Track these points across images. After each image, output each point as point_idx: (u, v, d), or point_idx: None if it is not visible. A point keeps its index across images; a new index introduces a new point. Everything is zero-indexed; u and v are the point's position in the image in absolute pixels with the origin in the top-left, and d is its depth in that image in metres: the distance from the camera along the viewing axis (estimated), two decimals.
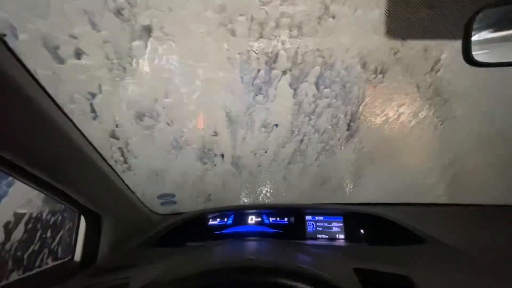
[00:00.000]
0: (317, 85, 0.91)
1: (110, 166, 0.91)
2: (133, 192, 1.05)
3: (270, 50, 0.81)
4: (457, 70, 0.81)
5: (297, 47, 0.79)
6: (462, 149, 1.08)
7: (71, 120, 0.72)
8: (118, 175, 0.96)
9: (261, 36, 0.77)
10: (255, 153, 1.11)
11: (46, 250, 0.96)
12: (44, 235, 0.96)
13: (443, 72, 0.82)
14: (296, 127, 1.02)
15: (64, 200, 0.90)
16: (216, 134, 1.02)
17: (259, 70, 0.86)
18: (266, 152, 1.10)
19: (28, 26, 0.66)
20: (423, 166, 1.17)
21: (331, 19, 0.70)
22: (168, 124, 0.96)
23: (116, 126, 0.92)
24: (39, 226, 0.94)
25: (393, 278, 0.80)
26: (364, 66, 0.82)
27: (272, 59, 0.84)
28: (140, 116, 0.92)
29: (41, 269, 0.92)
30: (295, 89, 0.92)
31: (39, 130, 0.64)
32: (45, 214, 0.96)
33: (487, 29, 0.55)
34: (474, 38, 0.52)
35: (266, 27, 0.75)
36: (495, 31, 0.56)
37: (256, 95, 0.93)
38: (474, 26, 0.51)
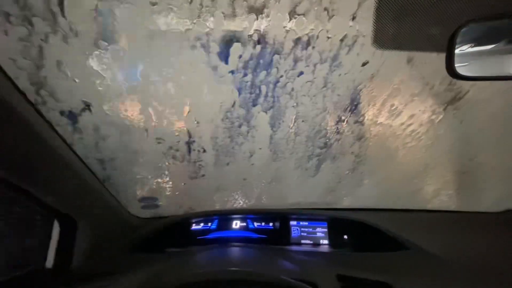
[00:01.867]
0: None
1: (88, 167, 0.87)
2: (112, 195, 1.01)
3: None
4: None
5: None
6: (450, 156, 1.10)
7: (44, 118, 0.68)
8: (96, 177, 0.91)
9: None
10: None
11: (14, 256, 0.89)
12: (12, 240, 0.90)
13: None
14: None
15: (35, 203, 0.84)
16: (205, 151, 1.03)
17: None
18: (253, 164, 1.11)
19: None
20: (410, 173, 1.19)
21: None
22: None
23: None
24: (5, 230, 0.88)
25: (375, 285, 0.81)
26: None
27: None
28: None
29: (8, 277, 0.86)
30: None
31: (8, 127, 0.59)
32: (13, 217, 0.89)
33: (471, 43, 0.56)
34: (458, 51, 0.53)
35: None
36: (478, 45, 0.58)
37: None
38: (458, 39, 0.52)
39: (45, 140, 0.68)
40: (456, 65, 0.52)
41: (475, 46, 0.57)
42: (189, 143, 1.01)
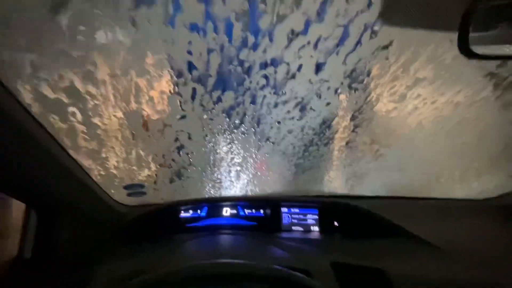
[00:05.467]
0: None
1: (67, 152, 0.80)
2: (95, 182, 0.95)
3: None
4: None
5: None
6: (441, 145, 1.09)
7: (20, 103, 0.61)
8: (77, 162, 0.85)
9: None
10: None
11: None
12: None
13: None
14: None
15: (7, 190, 0.78)
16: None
17: None
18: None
19: None
20: (401, 160, 1.18)
21: None
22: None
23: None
24: None
25: (368, 271, 0.81)
26: None
27: None
28: None
29: None
30: None
31: None
32: None
33: (488, 20, 0.52)
34: (473, 28, 0.49)
35: None
36: (496, 21, 0.54)
37: None
38: (474, 15, 0.48)
39: (19, 125, 0.61)
40: (471, 43, 0.48)
41: (493, 22, 0.53)
42: (179, 148, 0.99)
